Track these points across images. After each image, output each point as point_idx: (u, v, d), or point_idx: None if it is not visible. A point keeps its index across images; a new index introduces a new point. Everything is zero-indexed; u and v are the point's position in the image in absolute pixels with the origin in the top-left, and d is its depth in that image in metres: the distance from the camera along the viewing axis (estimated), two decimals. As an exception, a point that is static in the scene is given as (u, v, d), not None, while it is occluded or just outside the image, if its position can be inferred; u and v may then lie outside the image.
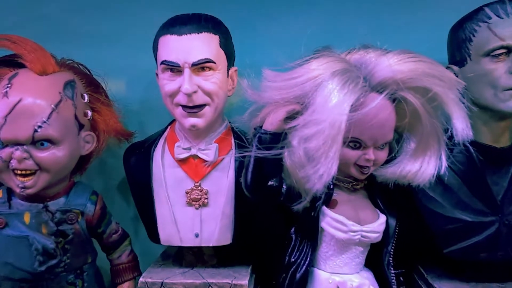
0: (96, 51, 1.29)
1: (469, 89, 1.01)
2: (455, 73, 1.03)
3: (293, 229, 1.04)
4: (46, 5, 1.33)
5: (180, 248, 1.13)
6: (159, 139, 1.10)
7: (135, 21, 1.32)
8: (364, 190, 1.05)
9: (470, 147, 1.01)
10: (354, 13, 1.31)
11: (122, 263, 1.14)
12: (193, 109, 0.99)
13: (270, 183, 0.96)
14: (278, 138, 0.95)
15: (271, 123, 0.95)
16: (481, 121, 1.02)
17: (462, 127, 0.92)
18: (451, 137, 1.01)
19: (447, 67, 1.05)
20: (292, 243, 1.04)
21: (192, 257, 1.12)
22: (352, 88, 0.90)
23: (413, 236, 1.07)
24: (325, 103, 0.88)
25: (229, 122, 1.12)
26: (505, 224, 0.99)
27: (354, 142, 0.95)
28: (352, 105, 0.89)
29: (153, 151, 1.08)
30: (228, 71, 1.04)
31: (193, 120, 1.00)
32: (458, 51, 1.03)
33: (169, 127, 1.12)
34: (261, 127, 0.97)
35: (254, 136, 0.95)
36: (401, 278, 1.08)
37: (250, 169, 0.95)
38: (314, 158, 0.89)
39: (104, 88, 1.16)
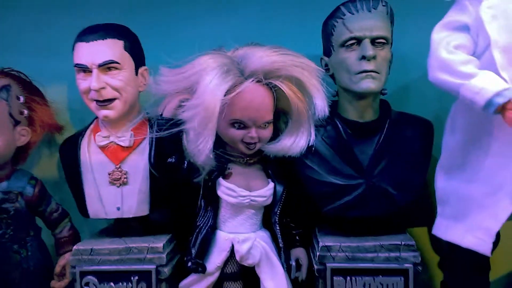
0: (42, 59, 1.50)
1: (336, 75, 1.22)
2: (326, 63, 1.25)
3: (202, 200, 1.26)
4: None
5: (113, 224, 1.35)
6: (86, 131, 1.31)
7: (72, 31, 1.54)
8: (258, 164, 1.26)
9: (339, 123, 1.23)
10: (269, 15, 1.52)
11: (63, 237, 1.36)
12: (104, 102, 1.20)
13: (169, 160, 1.17)
14: (174, 122, 1.16)
15: (167, 110, 1.16)
16: (347, 101, 1.23)
17: (321, 105, 1.15)
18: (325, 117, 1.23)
19: (321, 58, 1.26)
20: (201, 210, 1.25)
21: (121, 229, 1.32)
22: (227, 77, 1.10)
23: (300, 199, 1.28)
24: (203, 90, 1.10)
25: (147, 113, 1.33)
26: (370, 186, 1.20)
27: (237, 123, 1.16)
28: (226, 91, 1.10)
29: (81, 141, 1.29)
30: (137, 70, 1.25)
31: (104, 112, 1.21)
32: (325, 43, 1.24)
33: (94, 120, 1.32)
34: (161, 115, 1.18)
35: (154, 123, 1.16)
36: (297, 238, 1.30)
37: (152, 150, 1.17)
38: (195, 136, 1.10)
39: (42, 91, 1.37)
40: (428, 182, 1.28)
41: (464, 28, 1.07)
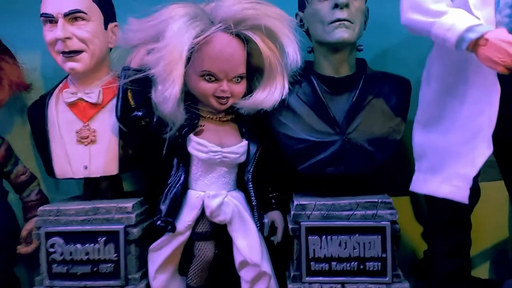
0: (17, 24, 1.44)
1: (310, 29, 1.19)
2: (300, 18, 1.21)
3: (175, 159, 1.21)
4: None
5: (83, 189, 1.30)
6: (54, 90, 1.27)
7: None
8: (233, 123, 1.22)
9: (314, 79, 1.19)
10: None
11: (31, 200, 1.32)
12: (70, 54, 1.16)
13: (136, 113, 1.13)
14: (141, 74, 1.12)
15: (135, 61, 1.13)
16: (322, 56, 1.19)
17: (292, 53, 1.11)
18: (300, 73, 1.20)
19: (296, 14, 1.23)
20: (173, 170, 1.20)
21: (91, 191, 1.28)
22: (194, 23, 1.07)
23: (275, 158, 1.24)
24: (170, 35, 1.06)
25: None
26: (346, 141, 1.16)
27: (208, 76, 1.12)
28: (193, 38, 1.06)
29: (49, 100, 1.26)
30: (106, 25, 1.21)
31: (70, 64, 1.17)
32: (300, -3, 1.21)
33: (64, 80, 1.28)
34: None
35: (121, 73, 1.12)
36: (273, 201, 1.26)
37: (119, 102, 1.13)
38: (161, 82, 1.06)
39: (11, 51, 1.33)
40: (407, 146, 1.25)
41: None
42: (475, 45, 0.93)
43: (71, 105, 1.22)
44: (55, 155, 1.22)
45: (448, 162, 1.05)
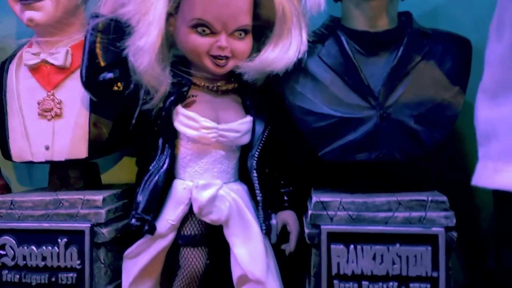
0: None
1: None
2: None
3: (160, 139, 0.94)
4: None
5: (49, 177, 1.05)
6: (17, 52, 1.02)
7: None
8: (235, 95, 0.94)
9: (341, 35, 0.90)
10: None
11: (-14, 190, 1.06)
12: (29, 0, 0.91)
13: (106, 74, 0.87)
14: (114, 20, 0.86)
15: (106, 6, 0.87)
16: (353, 4, 0.89)
17: None
18: (326, 27, 0.92)
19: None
20: (157, 153, 0.93)
21: (56, 181, 1.02)
22: None
23: (289, 141, 0.96)
24: None
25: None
26: (384, 117, 0.86)
27: (201, 26, 0.85)
28: None
29: (8, 65, 1.01)
30: None
31: (29, 13, 0.92)
32: None
33: (29, 41, 1.04)
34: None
35: (87, 22, 0.87)
36: (285, 197, 0.97)
37: (84, 60, 0.87)
38: (136, 29, 0.80)
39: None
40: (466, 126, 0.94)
41: None
42: None
43: (34, 69, 0.97)
44: (11, 133, 0.98)
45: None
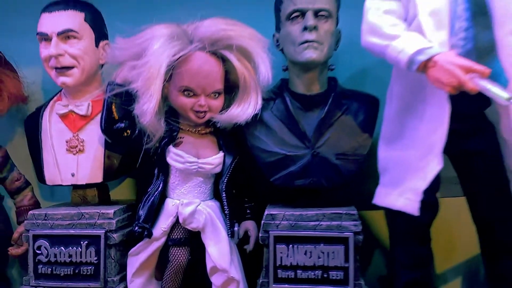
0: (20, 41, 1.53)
1: (284, 49, 1.27)
2: (277, 38, 1.30)
3: (156, 169, 1.29)
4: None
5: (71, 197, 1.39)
6: (49, 102, 1.38)
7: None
8: (211, 136, 1.30)
9: (287, 96, 1.27)
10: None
11: (23, 205, 1.41)
12: (62, 69, 1.27)
13: (118, 125, 1.22)
14: (125, 88, 1.21)
15: (120, 77, 1.22)
16: (295, 74, 1.27)
17: (264, 71, 1.20)
18: (278, 87, 1.28)
19: (273, 35, 1.31)
20: (154, 179, 1.28)
21: (78, 198, 1.37)
22: (173, 41, 1.16)
23: (250, 170, 1.31)
24: (150, 52, 1.15)
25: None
26: (314, 155, 1.22)
27: (187, 91, 1.20)
28: (173, 56, 1.15)
29: (43, 111, 1.37)
30: (97, 43, 1.32)
31: (62, 79, 1.28)
32: (276, 20, 1.30)
33: (58, 93, 1.39)
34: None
35: (106, 87, 1.22)
36: (248, 211, 1.32)
37: (103, 114, 1.22)
38: (140, 96, 1.15)
39: (13, 66, 1.44)
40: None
41: None
42: (425, 67, 0.99)
43: (63, 116, 1.33)
44: (46, 163, 1.32)
45: (406, 177, 1.10)
